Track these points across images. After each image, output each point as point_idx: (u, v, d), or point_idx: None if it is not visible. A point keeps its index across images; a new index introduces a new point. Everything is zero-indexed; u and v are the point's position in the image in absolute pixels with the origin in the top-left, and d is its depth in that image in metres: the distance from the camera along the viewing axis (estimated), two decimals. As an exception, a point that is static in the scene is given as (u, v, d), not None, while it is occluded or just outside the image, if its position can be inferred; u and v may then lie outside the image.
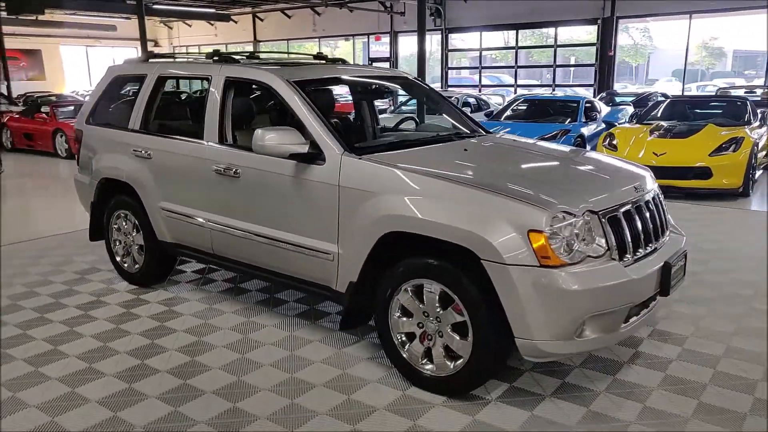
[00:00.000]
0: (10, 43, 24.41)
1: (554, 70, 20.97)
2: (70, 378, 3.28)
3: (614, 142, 8.71)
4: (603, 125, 10.51)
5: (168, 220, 4.28)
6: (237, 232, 3.83)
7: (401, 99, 11.92)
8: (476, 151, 3.59)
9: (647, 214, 3.14)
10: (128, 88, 5.57)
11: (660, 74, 29.47)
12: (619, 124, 10.66)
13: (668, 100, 10.64)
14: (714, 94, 15.95)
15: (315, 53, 4.92)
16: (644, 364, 3.40)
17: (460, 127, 4.39)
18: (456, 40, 23.18)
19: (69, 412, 2.95)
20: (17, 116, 14.03)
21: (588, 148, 9.88)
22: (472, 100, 12.92)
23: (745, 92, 14.79)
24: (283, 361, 3.47)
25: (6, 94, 18.47)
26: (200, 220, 4.05)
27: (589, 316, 2.74)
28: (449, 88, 21.91)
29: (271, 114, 4.02)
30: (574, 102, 10.75)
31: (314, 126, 3.43)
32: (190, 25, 29.65)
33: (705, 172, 7.91)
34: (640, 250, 3.02)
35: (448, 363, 3.02)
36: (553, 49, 21.04)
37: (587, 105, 10.99)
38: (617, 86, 23.49)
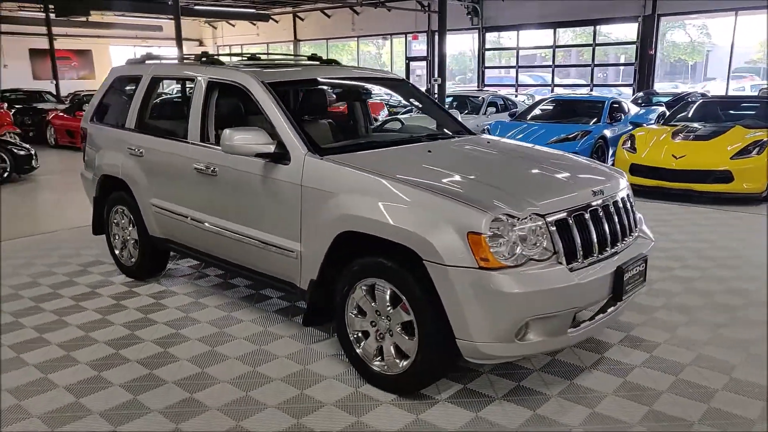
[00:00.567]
0: (63, 44, 25.62)
1: (592, 70, 20.52)
2: (46, 365, 3.47)
3: (634, 144, 8.51)
4: (630, 126, 10.26)
5: (157, 216, 4.45)
6: (215, 228, 3.96)
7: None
8: (440, 153, 3.61)
9: (605, 219, 3.10)
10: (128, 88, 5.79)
11: (718, 73, 28.20)
12: (648, 125, 10.39)
13: (700, 100, 10.31)
14: (755, 94, 15.31)
15: (309, 54, 5.03)
16: (605, 370, 3.36)
17: (443, 128, 4.42)
18: (504, 38, 22.87)
19: (35, 397, 3.12)
20: (61, 114, 14.68)
21: (611, 150, 9.68)
22: (498, 101, 12.79)
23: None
24: (250, 355, 3.58)
25: (54, 92, 19.37)
26: (184, 216, 4.20)
27: (529, 319, 2.73)
28: (485, 88, 21.75)
29: (250, 115, 4.12)
30: (600, 102, 10.53)
31: (282, 126, 3.52)
32: (233, 25, 30.32)
33: (726, 176, 7.64)
34: (594, 255, 2.98)
35: (398, 361, 3.06)
36: (594, 47, 20.59)
37: (614, 105, 10.76)
38: (668, 85, 22.81)
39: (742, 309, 4.20)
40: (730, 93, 17.90)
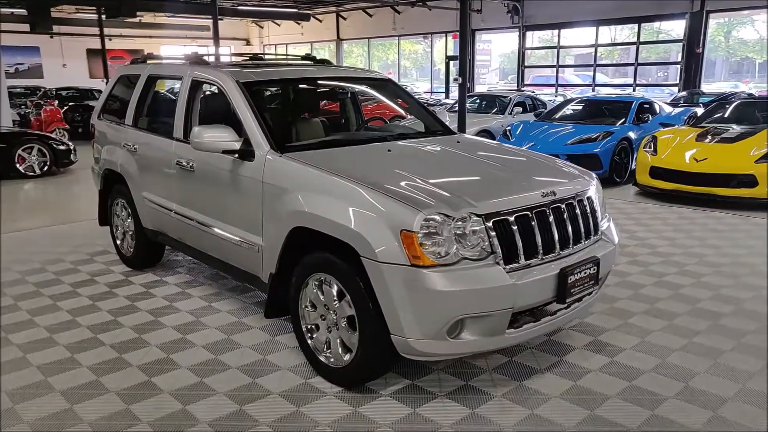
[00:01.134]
0: (117, 44, 26.75)
1: (635, 69, 19.94)
2: (29, 345, 3.71)
3: (656, 146, 8.27)
4: (660, 128, 9.96)
5: (148, 208, 4.66)
6: (193, 222, 4.13)
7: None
8: (399, 153, 3.65)
9: (554, 220, 3.07)
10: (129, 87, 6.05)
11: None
12: (679, 127, 10.06)
13: (738, 100, 9.91)
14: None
15: (303, 54, 5.15)
16: (559, 373, 3.33)
17: (430, 127, 4.46)
18: (563, 38, 22.41)
19: (11, 374, 3.35)
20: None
21: (636, 152, 9.42)
22: (527, 101, 12.62)
23: None
24: (216, 344, 3.72)
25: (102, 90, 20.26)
26: (168, 210, 4.38)
27: (459, 317, 2.76)
28: (525, 88, 21.44)
29: (229, 113, 4.26)
30: (628, 103, 10.26)
31: (250, 124, 3.64)
32: (279, 25, 30.91)
33: (750, 181, 7.34)
34: (537, 256, 2.97)
35: (343, 355, 3.13)
36: (637, 45, 20.01)
37: (645, 106, 10.46)
38: (726, 85, 21.92)
39: (727, 317, 4.07)
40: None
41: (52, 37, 25.64)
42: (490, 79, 27.12)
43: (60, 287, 4.73)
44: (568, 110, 10.73)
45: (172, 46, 29.05)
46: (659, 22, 19.95)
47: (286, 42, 31.04)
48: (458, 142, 3.99)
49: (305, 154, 3.45)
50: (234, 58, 5.52)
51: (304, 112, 4.55)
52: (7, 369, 3.41)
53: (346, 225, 2.90)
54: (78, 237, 6.18)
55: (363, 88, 4.83)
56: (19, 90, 21.27)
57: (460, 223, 2.80)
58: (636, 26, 19.77)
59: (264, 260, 3.53)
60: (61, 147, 10.47)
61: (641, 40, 19.86)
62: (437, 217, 2.77)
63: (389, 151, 3.65)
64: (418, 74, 30.18)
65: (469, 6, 22.26)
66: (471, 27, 23.22)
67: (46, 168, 10.18)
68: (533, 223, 2.99)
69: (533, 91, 17.57)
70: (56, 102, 16.07)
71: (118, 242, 5.27)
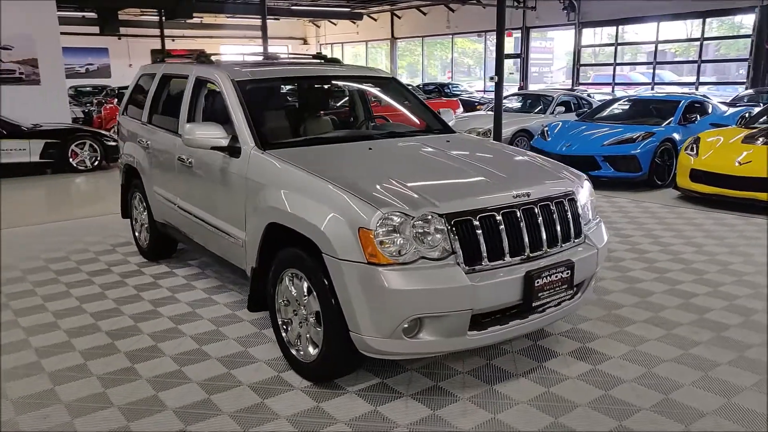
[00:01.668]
0: (180, 44, 27.78)
1: (698, 66, 19.01)
2: (34, 328, 3.93)
3: (698, 148, 7.87)
4: (709, 128, 9.47)
5: (158, 202, 4.84)
6: (192, 216, 4.26)
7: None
8: (378, 151, 3.64)
9: (524, 222, 2.99)
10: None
11: None
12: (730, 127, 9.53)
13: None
14: None
15: (314, 53, 5.22)
16: (534, 378, 3.24)
17: (430, 126, 4.44)
18: (628, 33, 21.59)
19: (11, 355, 3.56)
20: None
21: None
22: (572, 100, 12.26)
23: None
24: (204, 335, 3.83)
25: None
26: (173, 204, 4.54)
27: (414, 316, 2.73)
28: (579, 87, 20.84)
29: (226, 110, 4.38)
30: (675, 102, 9.81)
31: (239, 122, 3.73)
32: (335, 24, 31.28)
33: (796, 186, 6.89)
34: (503, 258, 2.91)
35: (311, 350, 3.16)
36: (702, 42, 19.08)
37: (696, 105, 9.98)
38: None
39: (734, 329, 3.84)
40: None
41: (119, 39, 26.92)
42: (556, 77, 26.29)
43: (77, 275, 4.98)
44: (613, 110, 10.37)
45: (230, 45, 29.94)
46: (731, 17, 18.94)
47: (342, 41, 31.40)
48: (448, 141, 3.94)
49: (285, 152, 3.50)
50: (254, 57, 5.63)
51: (301, 110, 4.61)
52: (9, 350, 3.63)
53: (309, 221, 2.93)
54: (108, 229, 6.48)
55: (364, 86, 4.84)
56: (87, 89, 22.53)
57: (420, 222, 2.78)
58: (701, 21, 18.87)
59: (247, 254, 3.60)
60: (112, 143, 10.99)
61: (710, 35, 18.92)
62: (395, 217, 2.75)
63: (370, 149, 3.65)
64: (480, 72, 29.62)
65: (524, 3, 21.93)
66: (525, 24, 22.81)
67: (96, 163, 10.72)
68: (500, 224, 2.92)
69: (585, 90, 17.07)
70: (116, 100, 16.85)
71: (137, 234, 5.50)
